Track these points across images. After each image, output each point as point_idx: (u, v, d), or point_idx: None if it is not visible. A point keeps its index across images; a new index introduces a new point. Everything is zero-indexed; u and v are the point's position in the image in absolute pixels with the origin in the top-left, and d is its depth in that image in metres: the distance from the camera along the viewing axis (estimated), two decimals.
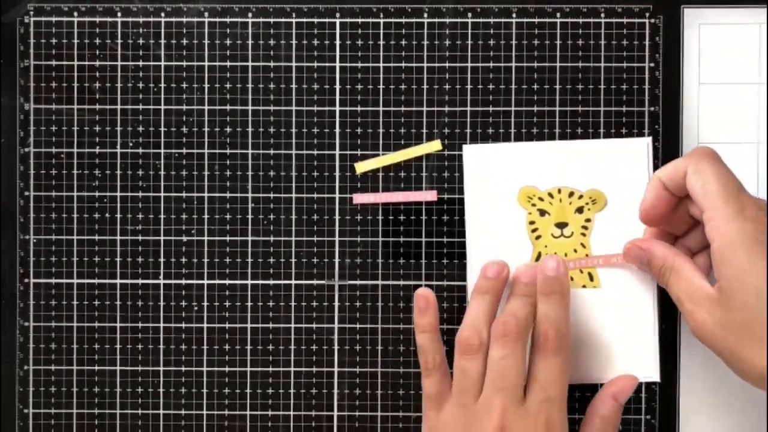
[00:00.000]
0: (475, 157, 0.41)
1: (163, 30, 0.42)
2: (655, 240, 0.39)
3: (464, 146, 0.41)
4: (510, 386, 0.37)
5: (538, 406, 0.37)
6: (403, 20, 0.42)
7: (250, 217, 0.42)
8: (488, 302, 0.39)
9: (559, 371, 0.37)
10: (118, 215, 0.42)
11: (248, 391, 0.42)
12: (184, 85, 0.42)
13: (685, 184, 0.36)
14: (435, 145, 0.41)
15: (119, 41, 0.42)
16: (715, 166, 0.35)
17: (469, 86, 0.42)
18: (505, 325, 0.37)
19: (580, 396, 0.42)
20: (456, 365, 0.38)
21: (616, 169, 0.41)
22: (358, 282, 0.42)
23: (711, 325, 0.34)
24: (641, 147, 0.41)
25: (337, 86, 0.42)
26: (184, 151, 0.42)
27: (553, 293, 0.38)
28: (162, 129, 0.42)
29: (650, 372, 0.41)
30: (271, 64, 0.42)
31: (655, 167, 0.41)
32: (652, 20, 0.41)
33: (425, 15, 0.42)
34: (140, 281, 0.42)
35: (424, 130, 0.42)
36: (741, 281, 0.33)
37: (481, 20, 0.42)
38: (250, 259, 0.42)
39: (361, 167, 0.42)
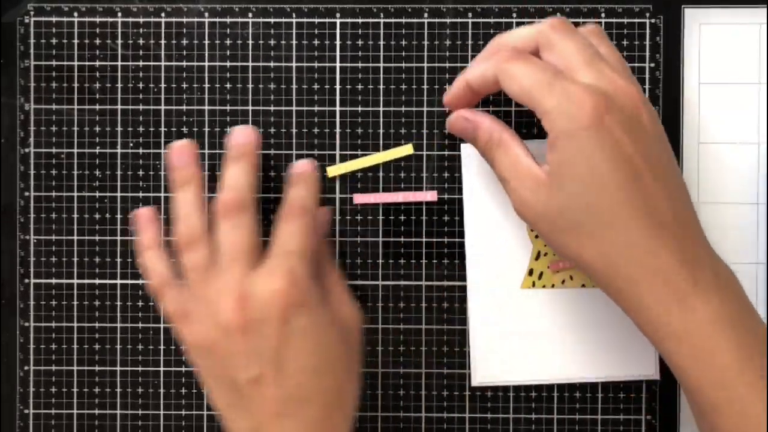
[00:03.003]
0: (474, 156, 0.41)
1: (163, 30, 0.42)
2: (482, 112, 0.37)
3: (462, 145, 0.41)
4: (243, 253, 0.35)
5: (276, 260, 0.35)
6: (403, 20, 0.42)
7: None
8: (192, 191, 0.37)
9: (299, 227, 0.36)
10: (118, 215, 0.42)
11: None
12: (184, 85, 0.42)
13: (496, 86, 0.35)
14: (407, 149, 0.41)
15: (119, 41, 0.42)
16: (524, 65, 0.33)
17: None
18: (224, 201, 0.36)
19: (581, 396, 0.42)
20: (184, 264, 0.36)
21: None
22: (358, 282, 0.42)
23: (534, 204, 0.34)
24: None
25: (337, 86, 0.42)
26: None
27: (300, 182, 0.38)
28: (162, 129, 0.42)
29: (650, 371, 0.41)
30: (271, 64, 0.42)
31: None
32: (652, 20, 0.42)
33: (425, 15, 0.42)
34: (140, 281, 0.42)
35: (425, 130, 0.42)
36: (568, 168, 0.32)
37: (481, 20, 0.42)
38: None
39: (332, 171, 0.42)
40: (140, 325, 0.42)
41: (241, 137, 0.38)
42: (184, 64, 0.42)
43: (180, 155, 0.38)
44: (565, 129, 0.32)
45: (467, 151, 0.41)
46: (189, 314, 0.36)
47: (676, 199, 0.33)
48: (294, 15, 0.42)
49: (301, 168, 0.39)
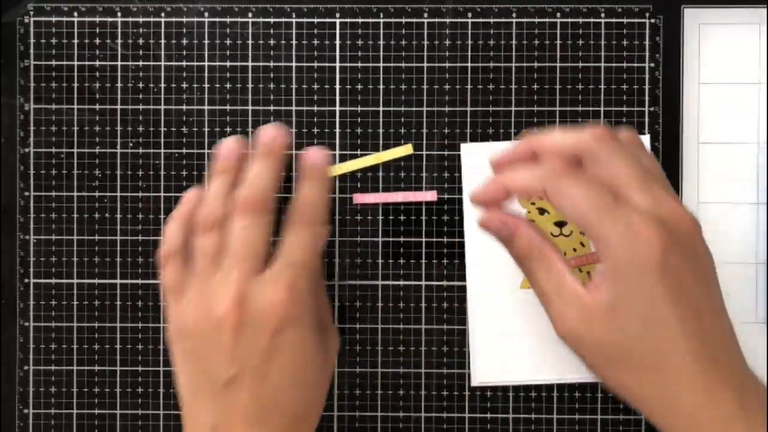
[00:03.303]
0: (474, 155, 0.41)
1: (163, 30, 0.42)
2: (519, 216, 0.35)
3: (462, 145, 0.41)
4: (251, 255, 0.35)
5: (281, 271, 0.35)
6: (403, 20, 0.42)
7: None
8: (227, 180, 0.38)
9: (307, 240, 0.37)
10: (118, 215, 0.42)
11: None
12: (184, 85, 0.42)
13: (540, 196, 0.33)
14: (407, 149, 0.41)
15: (119, 41, 0.42)
16: (578, 185, 0.32)
17: (469, 86, 0.42)
18: (247, 196, 0.36)
19: (581, 396, 0.42)
20: (195, 246, 0.37)
21: None
22: (358, 282, 0.42)
23: (584, 334, 0.32)
24: None
25: (337, 86, 0.42)
26: (184, 151, 0.42)
27: (313, 179, 0.38)
28: (162, 129, 0.42)
29: None
30: (271, 64, 0.42)
31: None
32: (652, 20, 0.42)
33: (425, 15, 0.42)
34: (140, 281, 0.42)
35: (424, 130, 0.42)
36: (628, 305, 0.31)
37: (481, 20, 0.42)
38: None
39: (332, 171, 0.42)
40: (140, 325, 0.42)
41: (269, 135, 0.38)
42: (184, 64, 0.42)
43: (229, 148, 0.39)
44: (627, 265, 0.31)
45: (467, 151, 0.41)
46: (184, 292, 0.36)
47: (725, 329, 0.32)
48: (294, 15, 0.42)
49: (313, 159, 0.39)
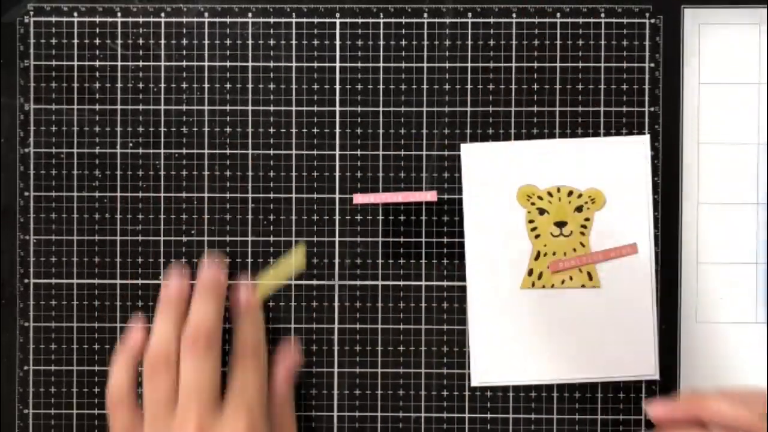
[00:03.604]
0: (474, 156, 0.41)
1: (163, 30, 0.42)
2: None
3: (462, 145, 0.41)
4: (205, 395, 0.36)
5: (237, 409, 0.37)
6: (403, 20, 0.42)
7: (250, 217, 0.42)
8: (171, 317, 0.39)
9: (255, 376, 0.38)
10: (118, 215, 0.42)
11: None
12: (184, 85, 0.42)
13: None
14: (300, 252, 0.41)
15: (119, 41, 0.42)
16: None
17: (469, 86, 0.42)
18: (195, 336, 0.37)
19: (581, 396, 0.42)
20: (145, 388, 0.37)
21: (614, 168, 0.41)
22: (358, 282, 0.42)
23: None
24: (639, 144, 0.41)
25: (337, 86, 0.42)
26: (184, 151, 0.42)
27: (247, 316, 0.40)
28: (162, 129, 0.42)
29: (650, 371, 0.41)
30: (271, 64, 0.42)
31: (654, 166, 0.41)
32: (652, 20, 0.42)
33: (425, 15, 0.42)
34: (140, 281, 0.42)
35: (424, 130, 0.42)
36: None
37: (481, 20, 0.42)
38: (250, 260, 0.42)
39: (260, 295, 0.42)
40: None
41: (210, 275, 0.40)
42: (184, 64, 0.42)
43: (171, 286, 0.40)
44: None
45: (467, 151, 0.41)
46: None
47: None
48: (294, 15, 0.42)
49: (245, 300, 0.40)
